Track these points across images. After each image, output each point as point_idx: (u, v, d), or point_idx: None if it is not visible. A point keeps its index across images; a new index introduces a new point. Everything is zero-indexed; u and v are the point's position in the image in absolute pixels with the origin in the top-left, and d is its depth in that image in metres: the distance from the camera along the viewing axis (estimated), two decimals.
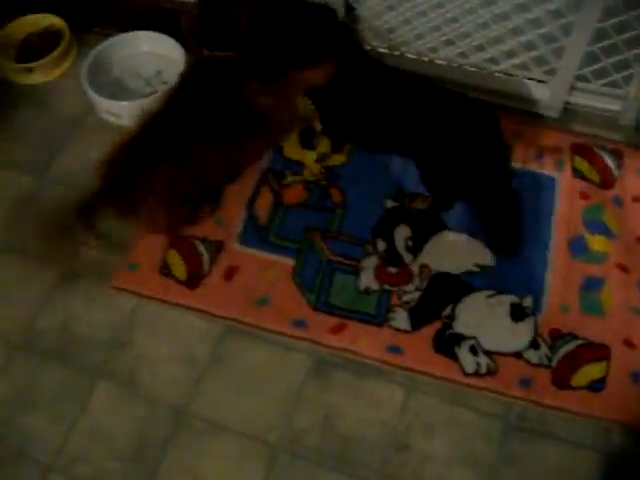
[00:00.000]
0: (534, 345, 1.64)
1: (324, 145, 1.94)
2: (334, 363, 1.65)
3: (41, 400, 1.65)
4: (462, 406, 1.59)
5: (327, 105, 1.87)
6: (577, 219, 1.82)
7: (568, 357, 1.62)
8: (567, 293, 1.71)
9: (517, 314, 1.67)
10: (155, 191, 1.66)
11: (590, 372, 1.61)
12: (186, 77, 1.80)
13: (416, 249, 1.77)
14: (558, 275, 1.73)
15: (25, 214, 1.76)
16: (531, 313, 1.67)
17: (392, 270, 1.75)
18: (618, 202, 1.85)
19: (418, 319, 1.68)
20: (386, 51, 2.04)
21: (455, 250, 1.77)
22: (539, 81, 1.97)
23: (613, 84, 1.93)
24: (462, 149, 1.73)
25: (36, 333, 1.74)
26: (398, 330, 1.66)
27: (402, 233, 1.78)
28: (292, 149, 1.96)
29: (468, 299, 1.70)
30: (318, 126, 1.94)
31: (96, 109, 2.06)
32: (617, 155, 1.92)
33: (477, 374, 1.61)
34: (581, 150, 1.93)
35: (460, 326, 1.66)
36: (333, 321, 1.68)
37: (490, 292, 1.71)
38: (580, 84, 1.95)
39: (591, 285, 1.72)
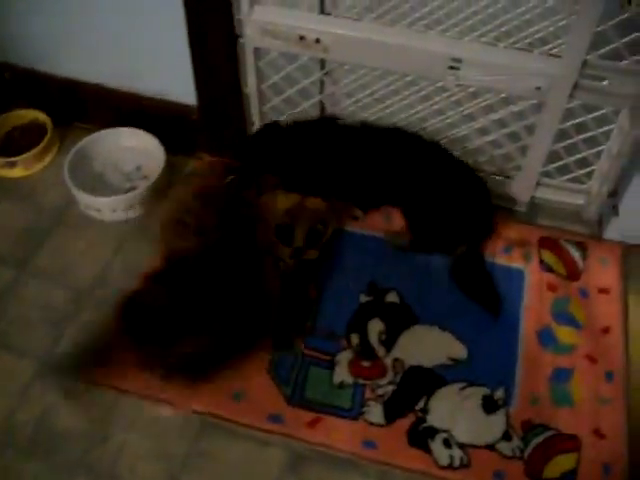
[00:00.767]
0: (506, 437, 1.67)
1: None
2: (309, 457, 1.66)
3: None
4: None
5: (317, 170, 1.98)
6: (545, 311, 1.87)
7: (540, 448, 1.65)
8: (537, 384, 1.74)
9: (489, 406, 1.71)
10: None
11: (562, 463, 1.64)
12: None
13: (389, 343, 1.81)
14: (528, 366, 1.77)
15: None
16: (503, 405, 1.71)
17: (366, 364, 1.78)
18: (584, 293, 1.91)
19: (392, 412, 1.70)
20: None
21: (427, 344, 1.81)
22: (506, 177, 2.06)
23: (576, 180, 2.02)
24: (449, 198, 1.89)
25: (13, 428, 1.73)
26: (372, 424, 1.69)
27: (375, 327, 1.83)
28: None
29: (441, 392, 1.73)
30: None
31: (78, 203, 2.11)
32: (582, 248, 2.00)
33: (451, 467, 1.63)
34: (548, 243, 2.01)
35: (434, 419, 1.69)
36: (308, 415, 1.70)
37: (462, 384, 1.74)
38: (545, 180, 2.04)
39: (560, 376, 1.76)
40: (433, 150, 1.95)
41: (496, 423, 1.69)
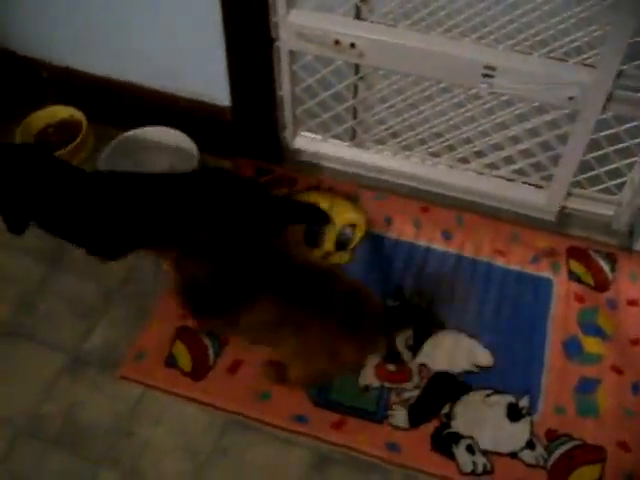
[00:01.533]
0: (530, 445, 1.67)
1: (329, 244, 2.00)
2: (333, 458, 1.67)
3: None
4: None
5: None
6: (572, 321, 1.87)
7: (564, 458, 1.65)
8: (562, 394, 1.74)
9: (514, 414, 1.71)
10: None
11: (585, 474, 1.63)
12: None
13: (416, 348, 1.82)
14: (553, 376, 1.77)
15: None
16: (527, 413, 1.71)
17: (392, 368, 1.79)
18: (612, 305, 1.91)
19: (417, 417, 1.71)
20: (389, 154, 2.13)
21: (453, 350, 1.81)
22: (537, 186, 2.06)
23: (607, 191, 2.02)
24: None
25: (40, 419, 1.76)
26: (397, 427, 1.70)
27: (402, 332, 1.83)
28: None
29: (466, 398, 1.74)
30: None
31: None
32: (611, 259, 1.99)
33: (474, 474, 1.63)
34: (577, 253, 2.00)
35: (458, 425, 1.70)
36: (333, 417, 1.71)
37: (488, 392, 1.75)
38: (576, 190, 2.03)
39: (586, 386, 1.76)
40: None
41: (520, 431, 1.69)
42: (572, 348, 1.82)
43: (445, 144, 2.04)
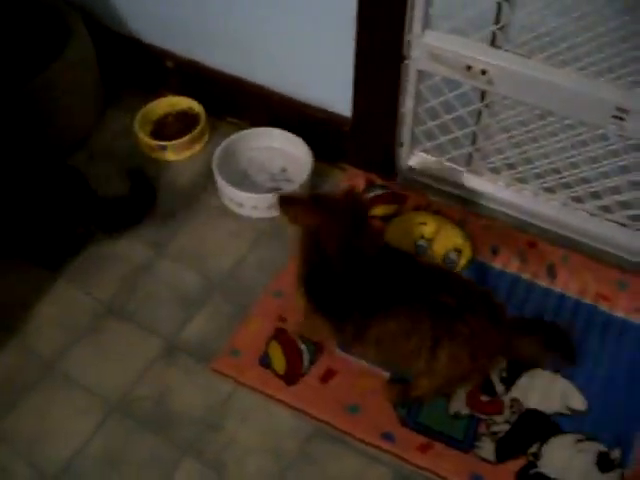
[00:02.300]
0: None
1: None
2: None
3: (128, 465, 1.71)
4: None
5: None
6: None
7: None
8: None
9: (604, 464, 1.67)
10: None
11: None
12: None
13: (509, 381, 1.80)
14: None
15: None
16: (618, 465, 1.67)
17: (484, 398, 1.77)
18: None
19: (504, 452, 1.69)
20: (503, 184, 2.12)
21: (548, 389, 1.78)
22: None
23: None
24: None
25: (134, 399, 1.81)
26: (483, 459, 1.68)
27: (498, 364, 1.81)
28: None
29: (556, 440, 1.71)
30: None
31: (220, 194, 2.17)
32: None
33: None
34: None
35: (545, 466, 1.67)
36: (420, 439, 1.71)
37: (579, 437, 1.71)
38: None
39: None
40: None
41: None
42: None
43: (561, 181, 2.01)
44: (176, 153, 2.30)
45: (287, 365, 1.82)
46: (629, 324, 1.91)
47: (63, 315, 1.95)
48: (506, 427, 1.73)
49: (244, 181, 2.19)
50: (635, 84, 1.74)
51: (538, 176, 2.04)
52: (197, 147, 2.33)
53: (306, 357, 1.83)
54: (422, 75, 1.95)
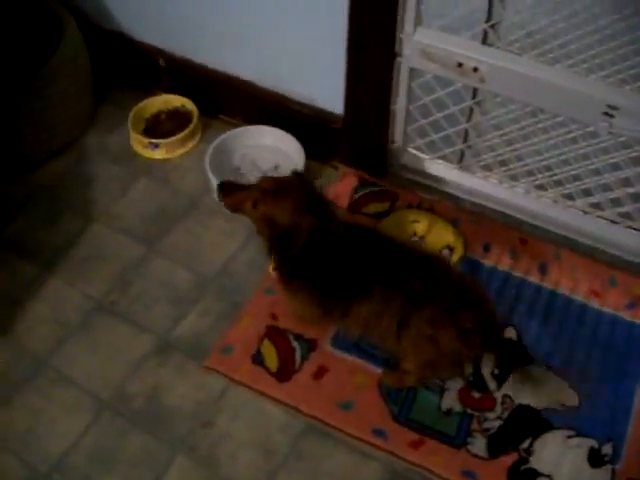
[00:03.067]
0: None
1: None
2: (407, 477, 1.67)
3: (120, 463, 1.70)
4: None
5: None
6: None
7: None
8: None
9: (595, 460, 1.68)
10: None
11: None
12: None
13: (501, 378, 1.80)
14: None
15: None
16: (609, 461, 1.68)
17: (476, 395, 1.78)
18: None
19: (496, 448, 1.70)
20: (495, 181, 2.12)
21: (539, 385, 1.79)
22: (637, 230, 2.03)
23: None
24: None
25: (125, 396, 1.81)
26: (475, 455, 1.68)
27: (489, 360, 1.82)
28: None
29: (547, 436, 1.72)
30: None
31: (213, 192, 2.17)
32: None
33: None
34: None
35: (537, 462, 1.68)
36: (412, 436, 1.71)
37: (570, 432, 1.72)
38: None
39: None
40: None
41: (600, 478, 1.66)
42: None
43: (553, 178, 2.01)
44: (169, 151, 2.30)
45: (279, 362, 1.82)
46: (619, 320, 1.91)
47: (54, 312, 1.95)
48: (498, 423, 1.73)
49: (237, 179, 2.19)
50: (625, 82, 1.75)
51: (529, 173, 2.05)
52: (190, 145, 2.33)
53: (298, 354, 1.84)
54: (414, 73, 1.95)
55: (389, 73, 1.95)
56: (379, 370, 1.81)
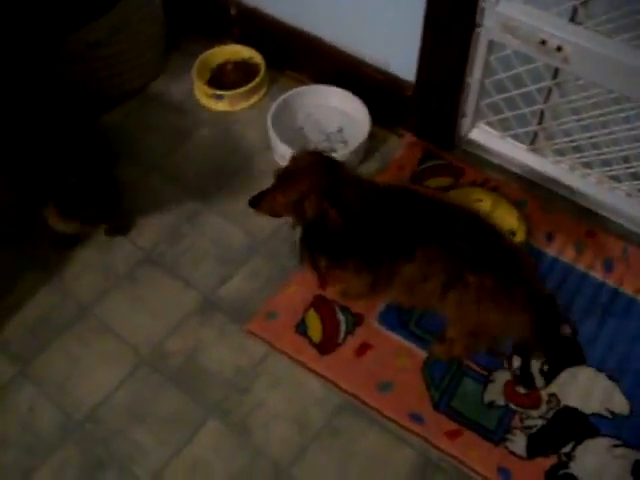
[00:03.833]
0: None
1: None
2: (440, 467, 1.63)
3: (154, 419, 1.70)
4: None
5: None
6: None
7: None
8: None
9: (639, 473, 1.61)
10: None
11: None
12: None
13: (550, 376, 1.73)
14: None
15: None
16: None
17: (521, 390, 1.71)
18: None
19: (536, 448, 1.63)
20: (566, 167, 2.02)
21: (589, 388, 1.71)
22: None
23: None
24: None
25: (164, 353, 1.80)
26: (513, 453, 1.63)
27: (540, 356, 1.75)
28: None
29: (591, 443, 1.65)
30: None
31: (272, 150, 2.12)
32: None
33: None
34: None
35: (577, 468, 1.61)
36: (450, 425, 1.66)
37: (616, 442, 1.64)
38: None
39: None
40: None
41: None
42: None
43: (629, 170, 1.91)
44: (232, 104, 2.25)
45: (323, 334, 1.79)
46: None
47: (103, 260, 1.94)
48: (540, 422, 1.67)
49: (298, 139, 2.13)
50: None
51: (605, 163, 1.95)
52: (254, 99, 2.27)
53: (343, 327, 1.80)
54: (493, 46, 1.85)
55: (467, 43, 1.86)
56: (424, 354, 1.76)
